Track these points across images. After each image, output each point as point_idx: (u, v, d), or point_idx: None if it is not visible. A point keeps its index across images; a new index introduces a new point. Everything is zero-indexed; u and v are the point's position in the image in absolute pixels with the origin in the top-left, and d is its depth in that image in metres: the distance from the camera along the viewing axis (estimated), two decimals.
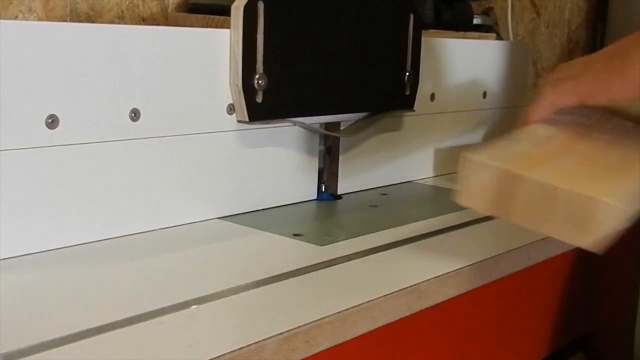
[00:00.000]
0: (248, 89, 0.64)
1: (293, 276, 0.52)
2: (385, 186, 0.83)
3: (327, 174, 0.77)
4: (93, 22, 0.79)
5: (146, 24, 0.84)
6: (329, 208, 0.74)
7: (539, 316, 0.78)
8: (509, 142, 0.61)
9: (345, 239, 0.62)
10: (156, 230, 0.62)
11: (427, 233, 0.64)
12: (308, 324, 0.44)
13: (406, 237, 0.63)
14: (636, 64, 0.60)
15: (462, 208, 0.72)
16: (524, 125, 0.68)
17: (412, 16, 0.79)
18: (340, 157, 0.78)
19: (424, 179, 0.89)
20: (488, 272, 0.58)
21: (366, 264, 0.56)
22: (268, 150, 0.69)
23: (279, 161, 0.71)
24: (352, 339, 0.47)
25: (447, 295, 0.54)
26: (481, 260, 0.57)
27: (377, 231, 0.64)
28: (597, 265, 0.86)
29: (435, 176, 0.90)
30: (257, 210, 0.69)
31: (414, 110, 0.82)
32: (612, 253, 0.85)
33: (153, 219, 0.61)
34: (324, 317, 0.45)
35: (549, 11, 1.49)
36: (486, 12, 1.13)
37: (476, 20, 1.05)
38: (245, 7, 0.62)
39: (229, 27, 0.63)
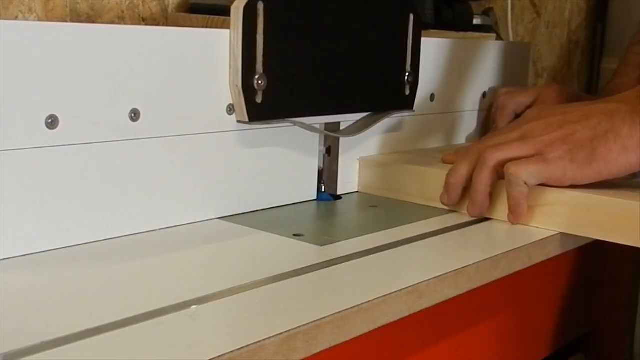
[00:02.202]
0: (248, 89, 0.64)
1: (293, 276, 0.52)
2: None
3: (327, 174, 0.77)
4: (93, 22, 0.79)
5: (146, 24, 0.84)
6: (329, 208, 0.74)
7: (538, 316, 0.78)
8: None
9: (345, 239, 0.62)
10: (156, 230, 0.62)
11: (427, 233, 0.64)
12: (308, 324, 0.44)
13: (406, 237, 0.63)
14: (609, 157, 0.64)
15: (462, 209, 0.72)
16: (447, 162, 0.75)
17: (412, 16, 0.79)
18: (340, 157, 0.78)
19: None
20: (488, 272, 0.58)
21: (366, 264, 0.56)
22: (268, 150, 0.70)
23: (279, 161, 0.71)
24: (352, 339, 0.47)
25: (447, 296, 0.54)
26: (481, 261, 0.57)
27: (377, 231, 0.64)
28: (596, 265, 0.86)
29: None
30: (257, 210, 0.69)
31: (414, 110, 0.82)
32: (611, 252, 0.85)
33: (153, 219, 0.61)
34: (324, 317, 0.45)
35: (549, 11, 1.50)
36: (486, 12, 1.13)
37: (476, 21, 1.05)
38: (245, 7, 0.62)
39: (229, 28, 0.63)
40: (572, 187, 0.65)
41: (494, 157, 0.66)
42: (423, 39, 0.81)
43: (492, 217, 0.68)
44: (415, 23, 0.79)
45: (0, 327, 0.42)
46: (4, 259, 0.53)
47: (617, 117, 0.65)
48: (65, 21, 0.77)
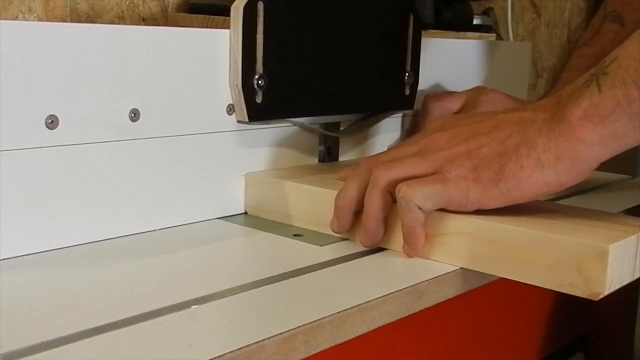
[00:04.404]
0: (248, 89, 0.64)
1: (293, 276, 0.52)
2: None
3: None
4: (93, 22, 0.79)
5: (146, 24, 0.84)
6: None
7: (538, 316, 0.78)
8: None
9: (345, 239, 0.62)
10: (156, 230, 0.62)
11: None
12: (308, 324, 0.44)
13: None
14: (520, 175, 0.53)
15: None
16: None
17: (412, 16, 0.79)
18: (340, 157, 0.78)
19: None
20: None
21: (366, 264, 0.56)
22: (268, 150, 0.70)
23: (279, 161, 0.71)
24: (352, 339, 0.47)
25: (447, 296, 0.54)
26: None
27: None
28: None
29: None
30: None
31: (414, 110, 0.82)
32: None
33: (153, 219, 0.61)
34: (324, 317, 0.45)
35: (549, 11, 1.50)
36: (486, 12, 1.13)
37: (476, 20, 1.05)
38: (245, 7, 0.62)
39: (229, 28, 0.63)
40: (479, 212, 0.55)
41: (385, 175, 0.56)
42: (423, 39, 0.81)
43: (387, 248, 0.59)
44: (415, 23, 0.79)
45: (0, 327, 0.42)
46: (4, 259, 0.53)
47: (532, 128, 0.54)
48: (65, 21, 0.77)
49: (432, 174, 0.56)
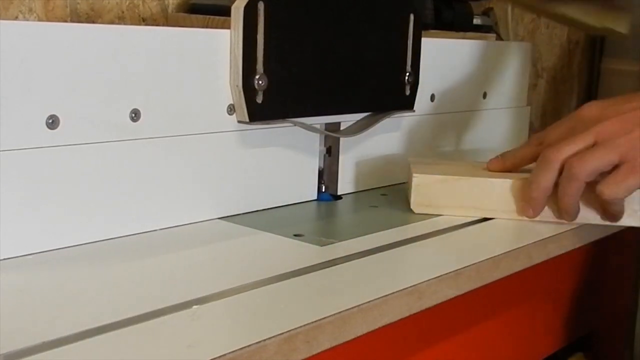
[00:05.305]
0: (248, 89, 0.64)
1: (293, 276, 0.52)
2: (385, 186, 0.83)
3: (327, 174, 0.77)
4: (93, 22, 0.79)
5: (146, 24, 0.84)
6: (329, 208, 0.74)
7: (538, 316, 0.78)
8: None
9: (345, 239, 0.62)
10: (156, 230, 0.62)
11: (428, 233, 0.64)
12: (308, 324, 0.44)
13: (406, 237, 0.63)
14: None
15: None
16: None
17: (412, 16, 0.79)
18: (340, 157, 0.78)
19: None
20: (488, 272, 0.58)
21: (366, 264, 0.56)
22: (268, 150, 0.70)
23: (279, 161, 0.71)
24: (353, 339, 0.47)
25: (447, 296, 0.54)
26: (481, 261, 0.57)
27: (377, 231, 0.64)
28: (597, 265, 0.86)
29: None
30: (257, 210, 0.69)
31: (414, 110, 0.82)
32: (612, 253, 0.85)
33: (153, 219, 0.61)
34: (324, 318, 0.45)
35: None
36: (486, 13, 1.13)
37: (476, 21, 1.05)
38: (246, 8, 0.62)
39: (229, 28, 0.63)
40: None
41: (584, 170, 0.63)
42: (423, 39, 0.81)
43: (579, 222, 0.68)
44: (415, 23, 0.79)
45: (0, 327, 0.42)
46: (4, 259, 0.53)
47: None
48: (65, 21, 0.77)
49: (618, 162, 0.62)
